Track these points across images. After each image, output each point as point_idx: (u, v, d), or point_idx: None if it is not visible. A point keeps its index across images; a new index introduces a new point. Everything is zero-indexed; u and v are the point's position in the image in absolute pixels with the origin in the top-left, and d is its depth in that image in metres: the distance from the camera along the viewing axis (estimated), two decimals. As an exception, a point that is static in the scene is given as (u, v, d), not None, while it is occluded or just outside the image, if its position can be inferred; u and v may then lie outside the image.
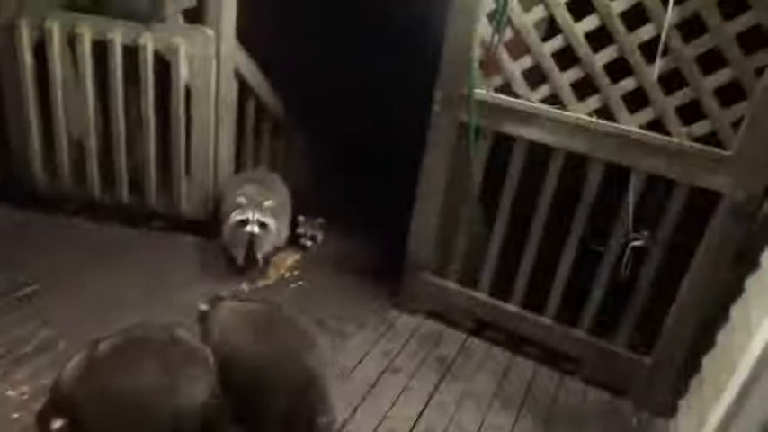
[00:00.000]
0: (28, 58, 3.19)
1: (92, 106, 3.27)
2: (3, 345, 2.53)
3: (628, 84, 2.48)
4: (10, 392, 2.32)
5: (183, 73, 3.09)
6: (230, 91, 3.28)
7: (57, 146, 3.37)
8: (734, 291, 2.41)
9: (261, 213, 3.06)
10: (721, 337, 2.44)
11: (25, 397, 2.31)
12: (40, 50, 3.18)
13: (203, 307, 2.39)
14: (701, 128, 2.42)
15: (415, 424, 2.50)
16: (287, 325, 2.33)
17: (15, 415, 2.22)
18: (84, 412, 1.91)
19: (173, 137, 3.25)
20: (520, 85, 2.64)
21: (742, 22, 2.25)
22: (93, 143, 3.34)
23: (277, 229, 3.20)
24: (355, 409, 2.53)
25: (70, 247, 3.26)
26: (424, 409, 2.59)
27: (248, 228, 3.05)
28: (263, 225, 3.07)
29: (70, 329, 2.61)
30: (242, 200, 3.07)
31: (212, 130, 3.25)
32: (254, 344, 2.20)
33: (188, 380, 2.01)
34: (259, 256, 3.23)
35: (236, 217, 3.06)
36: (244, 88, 3.44)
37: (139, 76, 3.13)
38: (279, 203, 3.25)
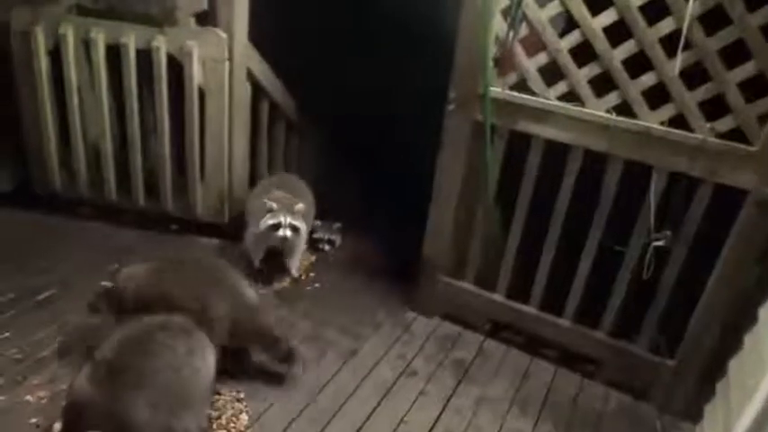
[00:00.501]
0: (43, 63, 3.22)
1: (107, 110, 3.28)
2: (21, 349, 2.55)
3: (648, 79, 2.41)
4: (28, 397, 2.33)
5: (196, 75, 3.08)
6: (243, 92, 3.27)
7: (73, 150, 3.40)
8: (761, 291, 2.34)
9: (292, 217, 3.03)
10: (748, 339, 2.36)
11: (44, 402, 2.32)
12: (56, 56, 3.21)
13: (106, 284, 2.49)
14: (725, 123, 2.34)
15: (432, 428, 2.47)
16: (194, 265, 2.64)
17: (33, 420, 2.23)
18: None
19: (187, 139, 3.25)
20: (536, 82, 2.59)
21: (766, 13, 2.17)
22: (108, 147, 3.36)
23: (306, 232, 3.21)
24: (371, 413, 2.50)
25: (87, 250, 3.28)
26: (441, 414, 2.55)
27: (281, 232, 3.01)
28: (295, 229, 3.04)
29: (88, 333, 2.62)
30: (273, 204, 3.01)
31: (226, 132, 3.25)
32: (162, 281, 2.43)
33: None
34: (293, 269, 3.27)
35: (268, 221, 3.01)
36: (257, 89, 3.43)
37: (153, 79, 3.14)
38: (306, 208, 3.22)
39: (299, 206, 3.07)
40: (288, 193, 3.19)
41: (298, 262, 3.31)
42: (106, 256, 3.24)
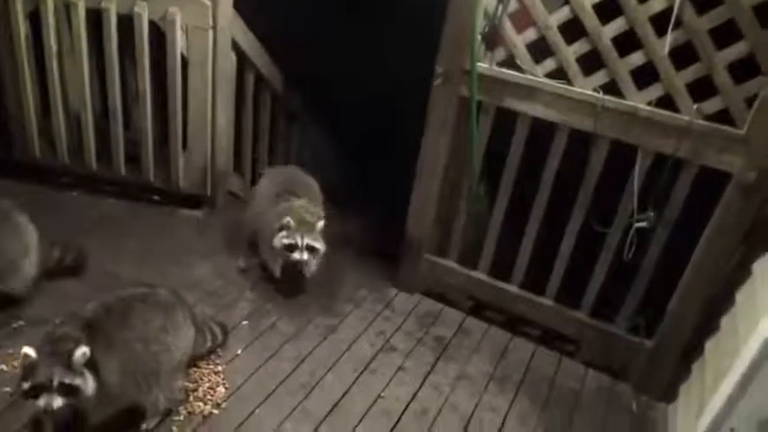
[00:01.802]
0: (23, 27, 3.12)
1: (87, 77, 3.21)
2: (-5, 318, 2.51)
3: (637, 58, 2.38)
4: (2, 366, 2.30)
5: (178, 43, 3.01)
6: (228, 62, 3.20)
7: (53, 117, 3.32)
8: (740, 274, 2.34)
9: (311, 237, 2.75)
10: (725, 322, 2.37)
11: (17, 371, 2.29)
12: (35, 20, 3.11)
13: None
14: (712, 105, 2.32)
15: (408, 404, 2.47)
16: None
17: (7, 389, 2.20)
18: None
19: (169, 109, 3.19)
20: (524, 58, 2.55)
21: (758, -7, 2.14)
22: (89, 115, 3.28)
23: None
24: (349, 388, 2.50)
25: (67, 219, 3.23)
26: (418, 390, 2.55)
27: (296, 255, 2.74)
28: (312, 250, 2.77)
29: (64, 303, 2.57)
30: (290, 221, 2.73)
31: (209, 103, 3.19)
32: None
33: None
34: (307, 274, 2.96)
35: (283, 240, 2.74)
36: (242, 60, 3.36)
37: (135, 47, 3.06)
38: (316, 199, 3.08)
39: (321, 223, 2.78)
40: (294, 189, 3.01)
41: (314, 267, 2.95)
42: (85, 225, 3.20)
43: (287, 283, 2.98)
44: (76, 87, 3.24)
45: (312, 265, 2.87)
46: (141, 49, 3.05)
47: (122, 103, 3.25)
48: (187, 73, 3.11)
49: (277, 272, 2.94)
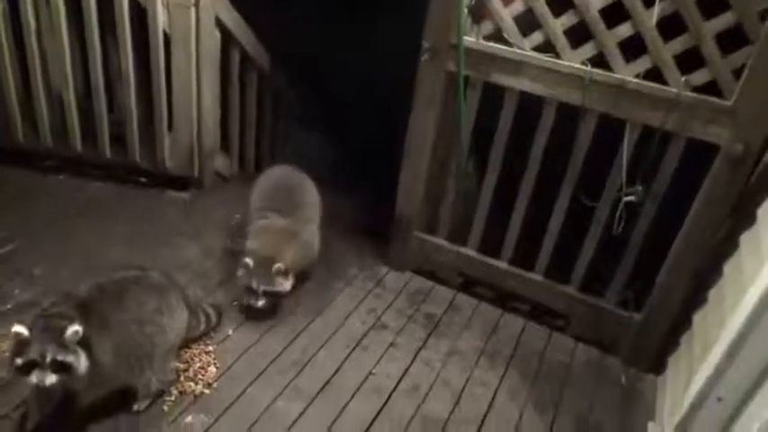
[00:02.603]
0: (0, 5, 3.05)
1: (68, 57, 3.14)
2: (-18, 302, 2.49)
3: (625, 30, 2.35)
4: (-10, 349, 2.29)
5: (160, 20, 2.95)
6: (212, 41, 3.14)
7: (35, 99, 3.26)
8: (727, 246, 2.35)
9: (266, 281, 2.54)
10: (713, 294, 2.39)
11: (6, 354, 2.27)
12: (13, -3, 3.04)
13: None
14: (700, 77, 2.30)
15: (400, 380, 2.48)
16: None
17: (-4, 372, 2.19)
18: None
19: (153, 89, 3.14)
20: (511, 31, 2.52)
21: (747, -39, 2.12)
22: (71, 96, 3.22)
23: (308, 243, 2.80)
24: (341, 365, 2.51)
25: (53, 203, 3.19)
26: (410, 366, 2.57)
27: (252, 300, 2.57)
28: (271, 294, 2.58)
29: (51, 286, 2.57)
30: (249, 262, 2.55)
31: (194, 83, 3.14)
32: None
33: None
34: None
35: (243, 280, 2.58)
36: (227, 38, 3.30)
37: (116, 24, 2.99)
38: (310, 213, 2.88)
39: (277, 266, 2.53)
40: (287, 196, 2.83)
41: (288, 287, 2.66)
42: (72, 208, 3.17)
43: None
44: (58, 66, 3.17)
45: (282, 287, 2.60)
46: (122, 26, 2.99)
47: (106, 82, 3.19)
48: (170, 51, 3.05)
49: (258, 303, 2.60)
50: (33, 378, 1.76)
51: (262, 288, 2.54)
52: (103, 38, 3.12)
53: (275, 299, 2.65)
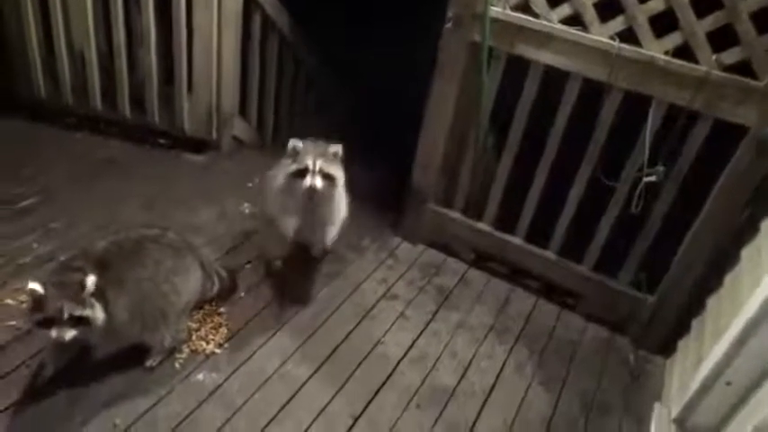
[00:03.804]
0: (23, -42, 3.04)
1: (91, 15, 3.13)
2: (2, 255, 2.53)
3: (656, 4, 2.28)
4: (9, 301, 2.34)
5: (182, -20, 2.92)
6: (234, 2, 3.10)
7: (57, 56, 3.27)
8: (747, 231, 2.31)
9: (325, 161, 2.26)
10: (729, 279, 2.36)
11: (24, 305, 2.33)
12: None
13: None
14: (732, 55, 2.23)
15: (408, 350, 2.50)
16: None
17: (12, 322, 2.24)
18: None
19: (174, 49, 3.13)
20: (539, 3, 2.45)
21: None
22: (93, 54, 3.23)
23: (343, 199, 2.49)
24: (350, 332, 2.53)
25: (71, 160, 3.22)
26: (418, 337, 2.58)
27: (307, 180, 2.22)
28: (328, 177, 2.27)
29: (70, 242, 2.61)
30: (298, 144, 2.29)
31: (215, 44, 3.12)
32: None
33: None
34: (327, 239, 2.46)
35: (291, 166, 2.27)
36: (248, 0, 3.26)
37: (138, -17, 2.98)
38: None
39: (335, 147, 2.31)
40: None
41: (335, 232, 2.47)
42: (90, 167, 3.19)
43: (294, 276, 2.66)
44: (80, 23, 3.17)
45: (328, 213, 2.37)
46: (145, -16, 2.97)
47: (127, 41, 3.19)
48: (192, 11, 3.03)
49: (290, 229, 2.38)
50: (53, 333, 1.79)
51: (319, 165, 2.24)
52: (125, -4, 3.11)
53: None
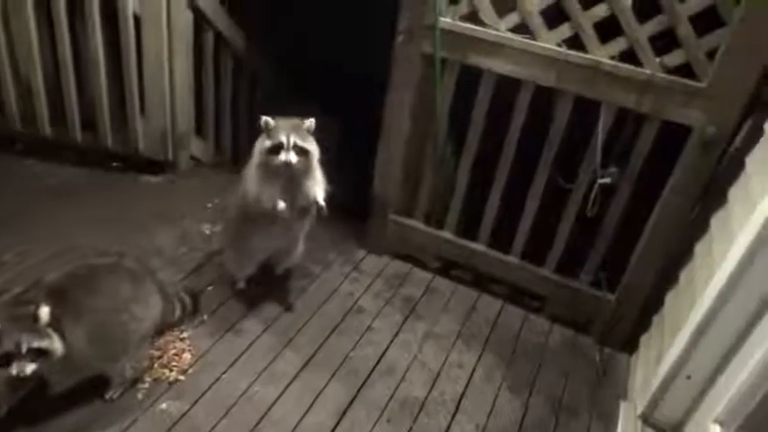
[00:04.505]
0: (-39, -17, 2.94)
1: (35, 38, 3.05)
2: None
3: (600, 10, 2.34)
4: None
5: (130, 0, 2.87)
6: (183, 20, 3.07)
7: (1, 80, 3.16)
8: (699, 227, 2.38)
9: (298, 136, 2.23)
10: (684, 274, 2.43)
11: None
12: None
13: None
14: (675, 58, 2.31)
15: (377, 363, 2.49)
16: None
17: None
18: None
19: (124, 70, 3.07)
20: (487, 12, 2.49)
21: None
22: (39, 78, 3.14)
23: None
24: (318, 348, 2.51)
25: (21, 188, 3.12)
26: (387, 349, 2.57)
27: (283, 156, 2.20)
28: (302, 152, 2.24)
29: (22, 274, 2.52)
30: (269, 120, 2.25)
31: (166, 64, 3.06)
32: None
33: None
34: (318, 198, 2.34)
35: (266, 143, 2.24)
36: (200, 19, 3.23)
37: (84, 5, 2.91)
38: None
39: (309, 123, 2.29)
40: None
41: (322, 192, 2.38)
42: (41, 193, 3.10)
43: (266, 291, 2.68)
44: (24, 48, 3.07)
45: (310, 183, 2.32)
46: (91, 6, 2.90)
47: (75, 64, 3.11)
48: (140, 31, 2.98)
49: (279, 203, 2.27)
50: (14, 369, 1.73)
51: (293, 140, 2.22)
52: (72, 18, 3.03)
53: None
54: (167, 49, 3.04)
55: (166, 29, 2.99)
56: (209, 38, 3.39)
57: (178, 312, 2.43)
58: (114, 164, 3.41)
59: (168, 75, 3.10)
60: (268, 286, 2.79)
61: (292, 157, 2.21)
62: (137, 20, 2.96)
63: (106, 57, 3.06)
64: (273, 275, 2.83)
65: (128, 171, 3.40)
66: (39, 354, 1.76)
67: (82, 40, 3.13)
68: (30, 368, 1.74)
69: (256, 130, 2.33)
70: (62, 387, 2.09)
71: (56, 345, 1.79)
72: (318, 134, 2.33)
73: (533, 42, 2.43)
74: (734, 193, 2.16)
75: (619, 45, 2.36)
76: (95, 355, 1.97)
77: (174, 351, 2.35)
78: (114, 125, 3.24)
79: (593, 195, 2.56)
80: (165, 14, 2.95)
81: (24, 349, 1.73)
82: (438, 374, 2.49)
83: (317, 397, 2.29)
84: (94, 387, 2.10)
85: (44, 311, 1.75)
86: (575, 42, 2.41)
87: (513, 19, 2.47)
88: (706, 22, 2.23)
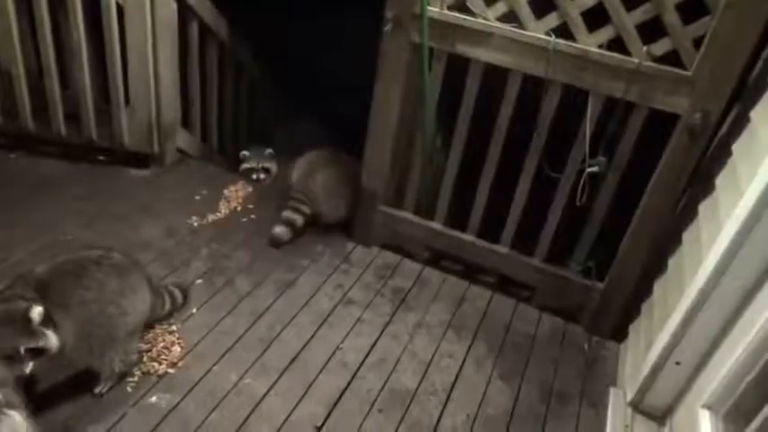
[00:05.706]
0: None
1: (16, 31, 2.98)
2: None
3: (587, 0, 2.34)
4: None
5: (112, -10, 2.82)
6: (167, 10, 3.02)
7: (-18, 75, 3.11)
8: (687, 215, 2.40)
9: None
10: (672, 263, 2.45)
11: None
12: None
13: None
14: (661, 46, 2.30)
15: (368, 354, 2.49)
16: None
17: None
18: None
19: (108, 63, 3.02)
20: (475, 1, 2.48)
21: (708, -71, 2.11)
22: (21, 71, 3.07)
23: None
24: (308, 341, 2.50)
25: (4, 183, 3.07)
26: (377, 340, 2.57)
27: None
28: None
29: (6, 270, 2.47)
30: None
31: (150, 55, 3.02)
32: None
33: None
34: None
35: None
36: (184, 9, 3.18)
37: (65, -5, 2.86)
38: (337, 174, 3.21)
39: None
40: (333, 169, 3.23)
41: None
42: (25, 188, 3.05)
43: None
44: (5, 41, 3.01)
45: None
46: (72, -2, 2.85)
47: (58, 57, 3.06)
48: (124, 22, 2.93)
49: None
50: (15, 372, 1.75)
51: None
52: (54, 10, 2.98)
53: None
54: (151, 40, 2.99)
55: (150, 18, 2.94)
56: (194, 28, 3.34)
57: (167, 306, 2.41)
58: (100, 157, 3.37)
59: (153, 65, 3.06)
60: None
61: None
62: (120, 9, 2.91)
63: (89, 48, 3.01)
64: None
65: (113, 164, 3.36)
66: (36, 352, 1.78)
67: (64, 31, 3.08)
68: (29, 368, 1.78)
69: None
70: (52, 380, 2.07)
71: (51, 341, 1.80)
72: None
73: (522, 32, 2.42)
74: (721, 180, 2.18)
75: (607, 33, 2.35)
76: (83, 348, 1.96)
77: (163, 344, 2.34)
78: (99, 118, 3.19)
79: (581, 184, 2.56)
80: (149, 3, 2.90)
81: (23, 353, 1.75)
82: (429, 365, 2.50)
83: (307, 389, 2.29)
84: (83, 382, 2.08)
85: (35, 312, 1.75)
86: (564, 31, 2.40)
87: (501, 8, 2.46)
88: (692, 10, 2.24)
